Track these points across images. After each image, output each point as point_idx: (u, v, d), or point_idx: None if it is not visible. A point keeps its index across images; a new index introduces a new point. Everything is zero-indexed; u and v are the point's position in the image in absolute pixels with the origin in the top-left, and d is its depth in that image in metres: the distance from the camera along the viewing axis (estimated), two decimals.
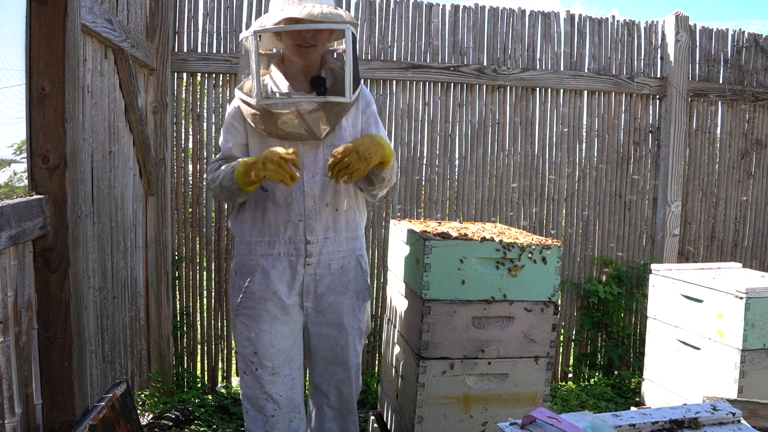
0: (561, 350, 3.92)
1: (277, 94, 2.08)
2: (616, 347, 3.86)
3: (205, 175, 3.42)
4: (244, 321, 2.13)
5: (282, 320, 2.12)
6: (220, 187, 2.07)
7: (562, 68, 3.77)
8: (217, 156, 2.16)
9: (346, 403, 2.27)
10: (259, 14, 3.39)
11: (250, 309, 2.12)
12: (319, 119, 2.02)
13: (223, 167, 2.09)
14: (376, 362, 3.65)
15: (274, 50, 2.22)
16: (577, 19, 3.80)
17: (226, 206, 3.47)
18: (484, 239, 2.32)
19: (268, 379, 2.12)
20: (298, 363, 2.19)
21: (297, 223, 2.09)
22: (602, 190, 3.89)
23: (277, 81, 2.12)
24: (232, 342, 3.47)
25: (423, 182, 3.65)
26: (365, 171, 2.00)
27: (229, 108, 2.15)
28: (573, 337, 3.92)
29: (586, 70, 3.81)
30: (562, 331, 3.89)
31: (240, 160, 2.04)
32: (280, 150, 1.92)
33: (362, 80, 2.11)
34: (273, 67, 2.15)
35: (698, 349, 2.71)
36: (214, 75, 3.41)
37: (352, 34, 1.92)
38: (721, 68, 3.99)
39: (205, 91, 3.42)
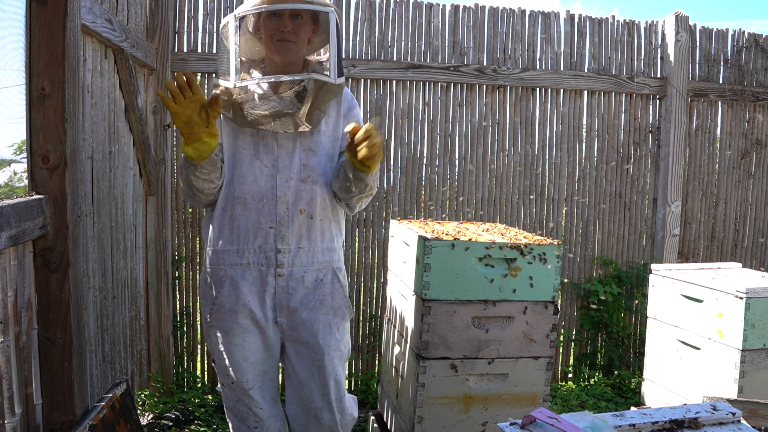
0: (561, 350, 3.92)
1: (256, 95, 1.95)
2: (616, 347, 3.86)
3: None
4: (216, 333, 2.05)
5: (253, 332, 2.03)
6: (185, 181, 1.94)
7: (562, 68, 3.77)
8: None
9: None
10: None
11: (221, 322, 2.03)
12: (301, 115, 1.92)
13: None
14: (376, 362, 3.65)
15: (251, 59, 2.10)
16: (577, 19, 3.80)
17: None
18: (484, 239, 2.32)
19: (245, 394, 2.06)
20: (271, 375, 2.11)
21: (268, 230, 1.97)
22: (602, 190, 3.89)
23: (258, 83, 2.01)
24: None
25: (423, 182, 3.65)
26: (379, 159, 1.89)
27: None
28: (573, 337, 3.92)
29: (586, 70, 3.81)
30: (562, 331, 3.89)
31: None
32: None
33: (344, 82, 2.00)
34: (253, 71, 2.04)
35: (698, 349, 2.71)
36: (214, 75, 3.39)
37: (336, 20, 1.87)
38: (721, 68, 3.99)
39: (205, 91, 3.42)
